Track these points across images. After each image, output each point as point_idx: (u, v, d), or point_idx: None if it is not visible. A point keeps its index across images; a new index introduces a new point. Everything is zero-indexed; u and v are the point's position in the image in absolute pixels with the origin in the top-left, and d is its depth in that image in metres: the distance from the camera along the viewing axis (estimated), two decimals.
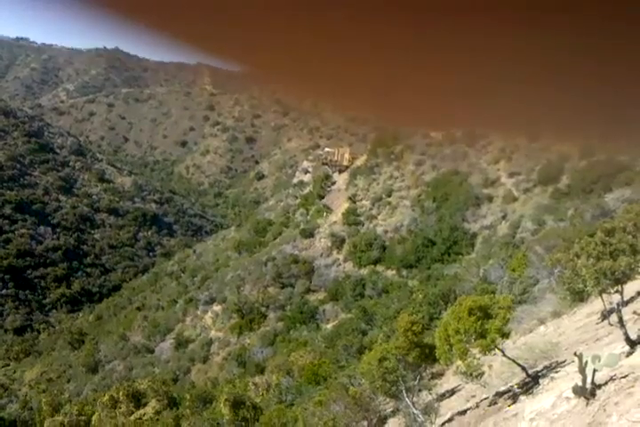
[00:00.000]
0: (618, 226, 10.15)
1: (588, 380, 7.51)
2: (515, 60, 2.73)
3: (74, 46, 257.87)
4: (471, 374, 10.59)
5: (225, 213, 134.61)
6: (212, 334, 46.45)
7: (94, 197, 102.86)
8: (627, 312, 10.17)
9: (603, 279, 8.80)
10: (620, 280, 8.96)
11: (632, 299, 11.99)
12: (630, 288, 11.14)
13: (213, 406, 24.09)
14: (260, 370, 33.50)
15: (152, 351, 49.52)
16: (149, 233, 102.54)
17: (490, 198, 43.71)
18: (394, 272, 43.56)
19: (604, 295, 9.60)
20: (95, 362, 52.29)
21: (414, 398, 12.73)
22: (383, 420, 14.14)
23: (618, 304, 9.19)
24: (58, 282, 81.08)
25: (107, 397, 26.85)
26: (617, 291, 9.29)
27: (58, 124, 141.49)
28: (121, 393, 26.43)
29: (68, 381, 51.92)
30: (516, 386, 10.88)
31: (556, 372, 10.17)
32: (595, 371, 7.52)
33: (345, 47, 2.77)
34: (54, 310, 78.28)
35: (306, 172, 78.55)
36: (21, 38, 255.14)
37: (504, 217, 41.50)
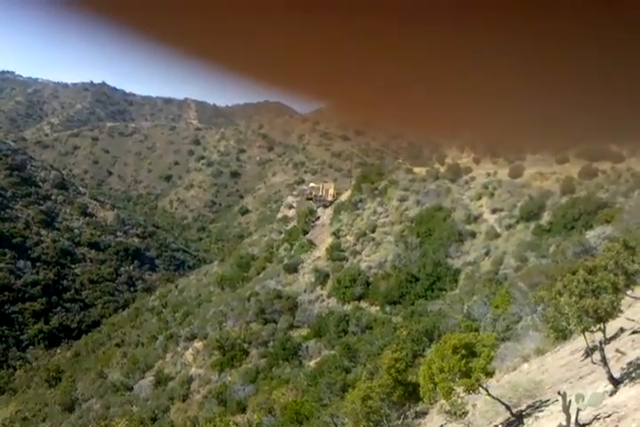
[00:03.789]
0: (599, 264, 10.25)
1: (572, 419, 7.47)
2: (515, 62, 2.79)
3: (60, 80, 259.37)
4: (455, 413, 10.49)
5: (208, 247, 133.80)
6: (193, 371, 45.56)
7: (76, 230, 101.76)
8: (609, 350, 10.18)
9: (585, 317, 8.83)
10: (602, 318, 8.99)
11: (614, 336, 12.02)
12: (613, 326, 11.18)
13: None
14: (242, 409, 32.81)
15: (130, 389, 48.33)
16: (131, 268, 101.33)
17: (473, 234, 44.01)
18: (377, 308, 43.34)
19: (587, 333, 9.61)
20: (72, 400, 50.86)
21: None
22: None
23: (600, 342, 9.20)
24: (36, 317, 79.34)
25: None
26: (599, 329, 9.32)
27: (41, 158, 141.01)
28: None
29: (44, 420, 50.33)
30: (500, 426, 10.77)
31: (540, 411, 10.10)
32: (578, 410, 7.49)
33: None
34: (31, 347, 76.39)
35: (290, 207, 78.78)
36: (7, 72, 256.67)
37: (487, 253, 41.72)
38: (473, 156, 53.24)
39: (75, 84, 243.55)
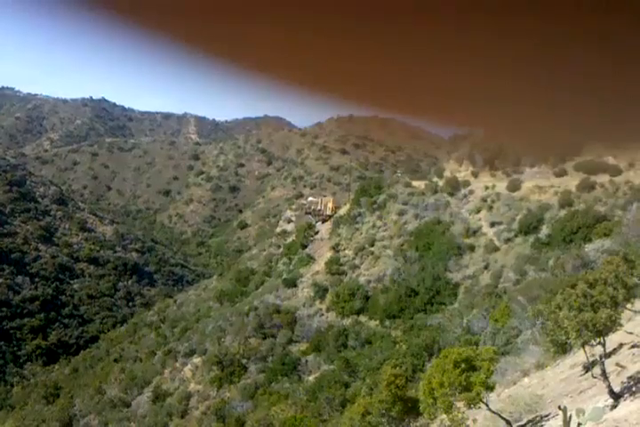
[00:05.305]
0: (599, 278, 10.23)
1: None
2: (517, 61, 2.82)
3: (59, 96, 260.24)
4: None
5: (207, 262, 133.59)
6: (192, 387, 45.25)
7: (74, 246, 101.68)
8: (610, 364, 10.14)
9: (585, 331, 8.80)
10: (601, 332, 8.97)
11: (614, 350, 11.97)
12: (613, 340, 11.14)
13: None
14: (241, 425, 32.56)
15: (128, 405, 47.97)
16: (129, 283, 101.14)
17: (472, 248, 43.91)
18: (377, 322, 43.15)
19: (587, 347, 9.58)
20: (69, 417, 50.45)
21: None
22: None
23: (600, 356, 9.17)
24: (34, 333, 79.05)
25: None
26: (599, 343, 9.28)
27: (40, 174, 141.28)
28: None
29: None
30: None
31: (541, 426, 10.03)
32: (579, 425, 7.45)
33: None
34: (29, 363, 76.00)
35: (289, 221, 78.82)
36: (6, 88, 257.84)
37: (486, 267, 41.60)
38: (471, 169, 53.35)
39: (74, 100, 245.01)
